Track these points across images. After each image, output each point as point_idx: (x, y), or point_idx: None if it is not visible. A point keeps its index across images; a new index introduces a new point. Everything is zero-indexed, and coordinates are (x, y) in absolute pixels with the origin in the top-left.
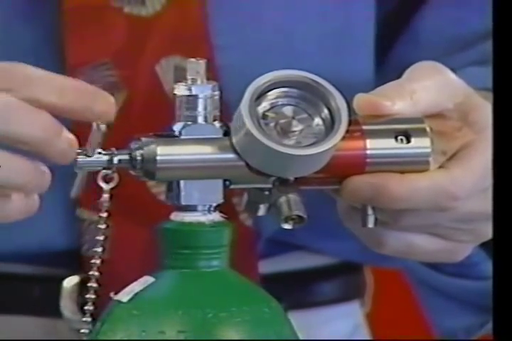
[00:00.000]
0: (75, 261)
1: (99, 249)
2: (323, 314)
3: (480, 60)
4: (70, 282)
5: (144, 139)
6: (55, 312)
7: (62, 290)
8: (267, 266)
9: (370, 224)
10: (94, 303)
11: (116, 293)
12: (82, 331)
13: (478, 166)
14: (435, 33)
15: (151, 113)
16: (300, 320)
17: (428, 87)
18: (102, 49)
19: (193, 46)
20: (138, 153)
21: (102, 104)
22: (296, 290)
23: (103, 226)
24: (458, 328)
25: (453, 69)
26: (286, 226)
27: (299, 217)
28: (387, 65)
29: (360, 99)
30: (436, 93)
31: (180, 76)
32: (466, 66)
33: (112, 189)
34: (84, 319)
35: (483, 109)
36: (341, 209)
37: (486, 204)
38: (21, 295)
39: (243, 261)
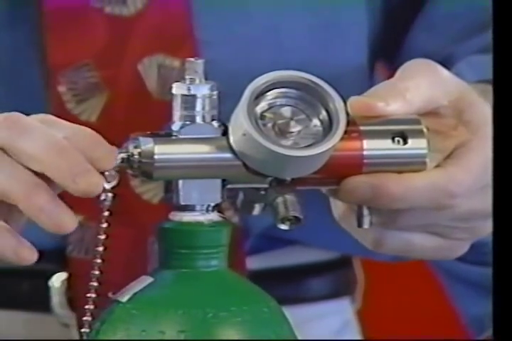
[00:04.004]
0: (61, 257)
1: (101, 248)
2: (312, 310)
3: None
4: (59, 278)
5: (141, 138)
6: (42, 307)
7: (51, 286)
8: (257, 262)
9: (366, 225)
10: (94, 302)
11: (101, 293)
12: (83, 330)
13: (475, 164)
14: (448, 18)
15: (134, 112)
16: (290, 316)
17: (421, 84)
18: (84, 50)
19: (177, 43)
20: (135, 151)
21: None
22: (285, 286)
23: (104, 225)
24: (484, 315)
25: (462, 56)
26: (283, 226)
27: (296, 217)
28: (404, 53)
29: (353, 102)
30: (430, 90)
31: (164, 74)
32: (477, 52)
33: (113, 188)
34: (84, 318)
35: (478, 108)
36: (337, 210)
37: (483, 202)
38: (8, 290)
39: (230, 259)
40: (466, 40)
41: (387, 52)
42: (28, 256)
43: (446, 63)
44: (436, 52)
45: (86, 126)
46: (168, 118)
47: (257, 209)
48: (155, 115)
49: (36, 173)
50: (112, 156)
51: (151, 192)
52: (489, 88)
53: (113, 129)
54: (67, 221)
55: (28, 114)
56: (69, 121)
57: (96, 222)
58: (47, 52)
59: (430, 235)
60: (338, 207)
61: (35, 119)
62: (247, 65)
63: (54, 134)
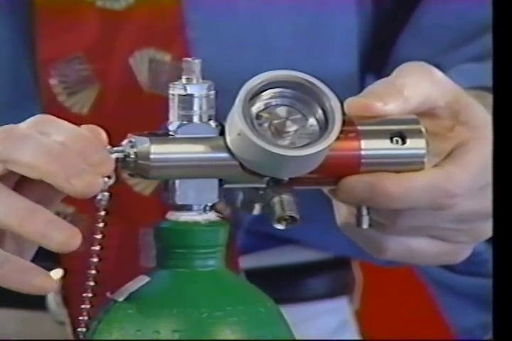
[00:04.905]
0: (55, 254)
1: (97, 248)
2: (309, 309)
3: (480, 54)
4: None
5: (137, 137)
6: (37, 305)
7: None
8: (255, 261)
9: (365, 225)
10: (91, 302)
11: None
12: (79, 330)
13: (473, 163)
14: (437, 28)
15: (125, 105)
16: (286, 315)
17: (418, 82)
18: (75, 43)
19: (168, 39)
20: (131, 151)
21: None
22: (283, 286)
23: (101, 225)
24: (474, 326)
25: (450, 66)
26: (279, 226)
27: (292, 217)
28: (392, 62)
29: (350, 103)
30: (427, 88)
31: (155, 68)
32: (465, 61)
33: (109, 187)
34: (80, 317)
35: (474, 109)
36: (340, 217)
37: (483, 203)
38: (3, 288)
39: (225, 258)
40: (454, 50)
41: (376, 64)
42: (46, 284)
43: None
44: (423, 62)
45: (78, 118)
46: (159, 111)
47: (257, 208)
48: (146, 108)
49: (35, 194)
50: (109, 161)
51: (142, 183)
52: (483, 93)
53: (104, 122)
54: (70, 238)
55: (21, 109)
56: (60, 113)
57: (87, 213)
58: (38, 45)
59: (431, 240)
60: (340, 214)
61: (32, 122)
62: (232, 64)
63: (47, 140)
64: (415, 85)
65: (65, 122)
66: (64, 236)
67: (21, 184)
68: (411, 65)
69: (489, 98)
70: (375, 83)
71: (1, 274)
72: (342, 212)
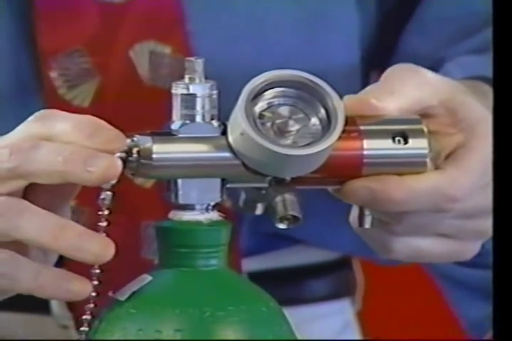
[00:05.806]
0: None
1: None
2: (312, 311)
3: (483, 47)
4: None
5: (139, 136)
6: (41, 308)
7: None
8: (258, 263)
9: (367, 225)
10: (94, 301)
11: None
12: (81, 329)
13: (474, 164)
14: (440, 21)
15: (125, 98)
16: (290, 317)
17: (407, 84)
18: (75, 36)
19: (167, 31)
20: (134, 150)
21: None
22: (286, 287)
23: (104, 224)
24: (484, 317)
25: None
26: (281, 226)
27: (294, 217)
28: (398, 56)
29: (347, 100)
30: (417, 89)
31: (155, 61)
32: (468, 54)
33: (112, 186)
34: (84, 316)
35: (470, 106)
36: (354, 217)
37: (487, 199)
38: None
39: (228, 259)
40: (457, 43)
41: (381, 59)
42: (83, 288)
43: (437, 66)
44: (428, 56)
45: (78, 111)
46: (159, 103)
47: (259, 208)
48: (146, 100)
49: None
50: (120, 137)
51: None
52: (476, 83)
53: (105, 114)
54: (105, 249)
55: (21, 102)
56: (61, 107)
57: (88, 206)
58: (38, 38)
59: (438, 238)
60: (353, 214)
61: (36, 117)
62: (231, 57)
63: (55, 144)
64: (405, 88)
65: (65, 112)
66: (98, 248)
67: (26, 196)
68: (397, 68)
69: (482, 86)
70: (364, 89)
71: (37, 286)
72: (355, 213)
